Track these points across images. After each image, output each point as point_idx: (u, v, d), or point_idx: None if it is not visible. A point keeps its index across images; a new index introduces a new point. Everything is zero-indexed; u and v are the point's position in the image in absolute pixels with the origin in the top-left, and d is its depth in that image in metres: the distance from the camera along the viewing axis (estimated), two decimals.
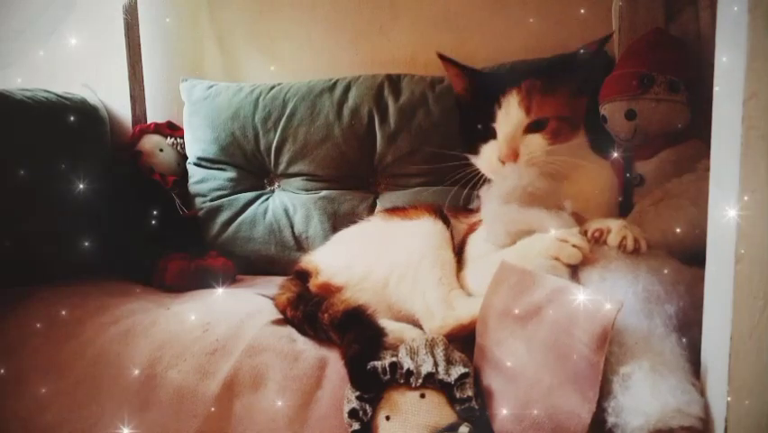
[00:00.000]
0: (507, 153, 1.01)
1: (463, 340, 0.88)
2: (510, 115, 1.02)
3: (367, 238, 1.13)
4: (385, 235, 1.09)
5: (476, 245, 1.04)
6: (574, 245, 0.84)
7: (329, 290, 1.03)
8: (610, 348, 0.67)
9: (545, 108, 1.01)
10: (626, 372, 0.66)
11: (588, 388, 0.66)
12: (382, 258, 1.03)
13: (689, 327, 0.72)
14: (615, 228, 0.86)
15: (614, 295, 0.75)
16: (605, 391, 0.66)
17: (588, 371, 0.66)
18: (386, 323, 0.90)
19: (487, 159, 1.06)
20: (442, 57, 1.14)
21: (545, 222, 0.90)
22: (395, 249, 1.03)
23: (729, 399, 0.61)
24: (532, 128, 1.02)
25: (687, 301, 0.74)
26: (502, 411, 0.75)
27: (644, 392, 0.64)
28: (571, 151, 1.02)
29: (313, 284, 1.07)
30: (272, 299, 1.10)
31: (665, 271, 0.79)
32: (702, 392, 0.65)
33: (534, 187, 0.96)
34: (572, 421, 0.66)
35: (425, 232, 1.04)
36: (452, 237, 1.06)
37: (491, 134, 1.05)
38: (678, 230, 0.88)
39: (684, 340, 0.71)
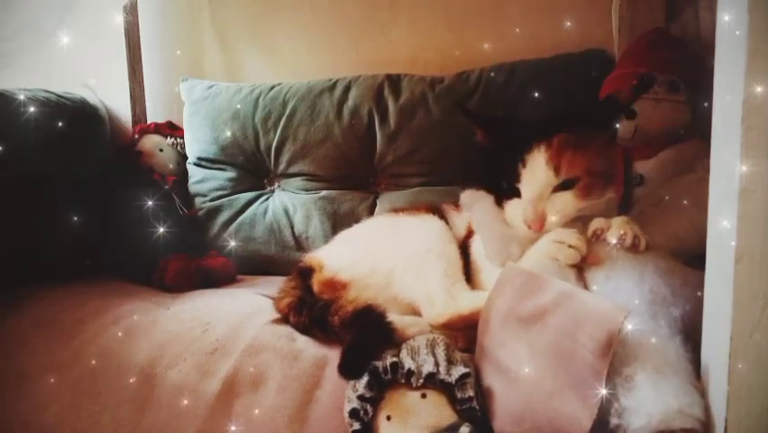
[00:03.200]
0: (533, 219, 0.89)
1: (465, 336, 0.88)
2: (537, 176, 0.89)
3: (371, 234, 1.12)
4: (390, 231, 1.08)
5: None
6: (570, 246, 0.84)
7: (333, 287, 1.01)
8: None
9: (576, 166, 0.88)
10: (628, 373, 0.66)
11: (590, 394, 0.65)
12: (388, 252, 1.02)
13: (695, 329, 0.71)
14: (615, 224, 0.85)
15: (618, 296, 0.75)
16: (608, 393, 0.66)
17: (591, 377, 0.66)
18: (394, 317, 0.90)
19: (511, 216, 0.95)
20: (464, 110, 1.05)
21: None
22: (400, 243, 1.03)
23: (729, 399, 0.61)
24: (561, 187, 0.90)
25: (694, 304, 0.73)
26: (502, 413, 0.75)
27: (647, 394, 0.64)
28: (601, 208, 0.91)
29: (316, 280, 1.04)
30: (272, 300, 1.09)
31: (673, 274, 0.78)
32: (703, 394, 0.65)
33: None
34: (573, 427, 0.66)
35: (430, 227, 1.04)
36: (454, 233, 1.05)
37: (515, 193, 0.93)
38: (681, 232, 0.88)
39: (689, 343, 0.70)
